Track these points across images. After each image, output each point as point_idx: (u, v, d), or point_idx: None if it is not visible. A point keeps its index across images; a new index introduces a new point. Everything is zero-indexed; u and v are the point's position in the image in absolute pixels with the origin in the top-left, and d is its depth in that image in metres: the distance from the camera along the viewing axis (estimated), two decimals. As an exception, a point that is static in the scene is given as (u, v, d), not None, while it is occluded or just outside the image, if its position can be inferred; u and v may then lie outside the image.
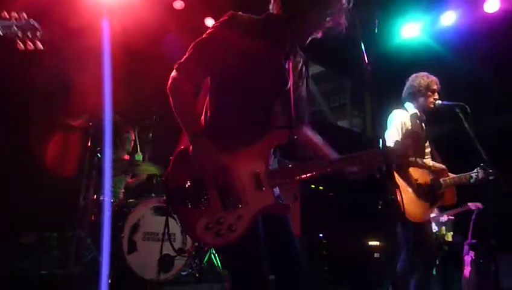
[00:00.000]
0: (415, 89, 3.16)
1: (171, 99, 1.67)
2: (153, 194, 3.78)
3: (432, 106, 3.13)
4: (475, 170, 3.13)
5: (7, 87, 3.69)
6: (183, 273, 3.65)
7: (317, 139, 1.94)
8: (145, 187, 4.07)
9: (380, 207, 2.98)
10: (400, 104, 3.24)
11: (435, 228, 4.00)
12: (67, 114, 3.66)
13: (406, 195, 2.94)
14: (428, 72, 3.29)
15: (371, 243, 5.61)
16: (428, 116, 3.20)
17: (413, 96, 3.17)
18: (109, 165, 3.43)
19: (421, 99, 3.15)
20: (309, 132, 1.95)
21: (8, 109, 3.67)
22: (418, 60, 5.08)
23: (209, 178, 1.58)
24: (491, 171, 3.04)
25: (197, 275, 3.70)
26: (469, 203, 4.07)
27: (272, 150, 1.72)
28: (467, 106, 3.07)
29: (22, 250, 3.42)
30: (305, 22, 1.71)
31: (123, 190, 4.10)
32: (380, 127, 3.22)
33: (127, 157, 4.08)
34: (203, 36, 1.70)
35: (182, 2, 4.87)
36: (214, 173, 1.58)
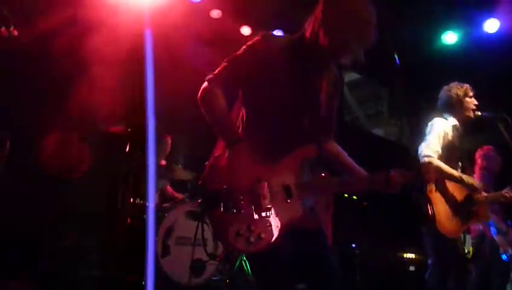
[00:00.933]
0: (453, 99, 3.10)
1: (203, 109, 1.73)
2: (187, 199, 3.87)
3: (472, 114, 3.08)
4: (506, 189, 3.05)
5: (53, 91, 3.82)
6: (214, 278, 3.70)
7: (343, 154, 1.96)
8: (180, 192, 4.17)
9: (410, 218, 2.95)
10: (438, 113, 3.21)
11: None
12: (108, 121, 3.79)
13: (442, 208, 2.91)
14: (467, 80, 3.23)
15: (406, 255, 5.48)
16: (468, 127, 3.16)
17: (452, 107, 3.12)
18: (153, 170, 3.52)
19: (459, 109, 3.09)
20: (335, 146, 1.97)
21: (45, 115, 3.79)
22: (458, 68, 4.89)
23: (242, 185, 1.62)
24: None
25: (228, 280, 3.74)
26: None
27: (302, 163, 1.76)
28: (508, 118, 3.02)
29: (60, 252, 3.53)
30: (335, 46, 1.70)
31: (158, 194, 4.22)
32: (416, 135, 3.24)
33: (163, 162, 4.20)
34: (237, 53, 1.77)
35: (219, 11, 4.97)
36: (248, 181, 1.62)
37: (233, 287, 3.71)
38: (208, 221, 1.68)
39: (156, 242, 3.44)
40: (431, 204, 2.88)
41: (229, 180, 1.62)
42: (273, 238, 1.61)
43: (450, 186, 2.98)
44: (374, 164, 1.99)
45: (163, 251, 3.46)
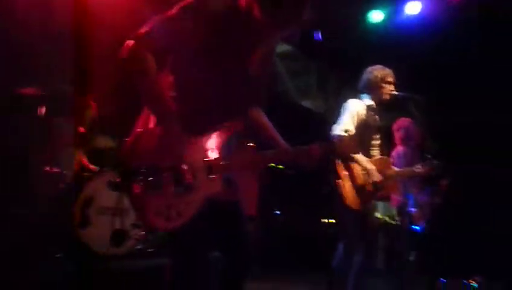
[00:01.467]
0: (371, 81, 3.21)
1: (133, 73, 1.59)
2: (108, 168, 3.74)
3: (388, 97, 3.20)
4: (418, 165, 3.29)
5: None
6: (137, 247, 3.67)
7: (268, 125, 1.97)
8: (100, 161, 4.00)
9: (324, 193, 3.08)
10: (357, 94, 3.31)
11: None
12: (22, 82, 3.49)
13: (348, 184, 3.04)
14: (395, 59, 3.38)
15: (326, 221, 5.69)
16: (385, 107, 3.29)
17: (369, 89, 3.22)
18: (71, 136, 3.34)
19: (377, 92, 3.21)
20: (261, 116, 1.96)
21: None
22: (385, 46, 5.11)
23: (165, 163, 1.59)
24: (433, 165, 3.23)
25: (150, 250, 3.74)
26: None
27: (229, 137, 1.75)
28: (421, 98, 3.21)
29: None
30: (269, 21, 1.64)
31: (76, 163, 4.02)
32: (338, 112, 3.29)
33: (82, 129, 3.99)
34: (169, 13, 1.63)
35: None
36: (171, 158, 1.58)
37: (157, 257, 3.71)
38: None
39: (74, 212, 3.32)
40: (338, 178, 3.01)
41: (152, 157, 1.58)
42: (192, 215, 1.62)
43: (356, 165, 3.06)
44: (302, 136, 2.03)
45: (82, 221, 3.36)
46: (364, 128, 3.13)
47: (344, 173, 3.05)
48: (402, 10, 5.19)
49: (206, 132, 1.70)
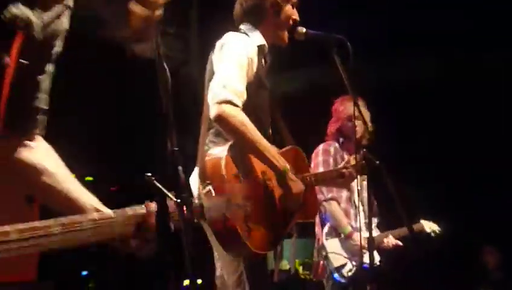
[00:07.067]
0: (265, 3, 2.23)
1: None
2: None
3: (292, 33, 2.26)
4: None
5: None
6: None
7: (52, 164, 1.30)
8: None
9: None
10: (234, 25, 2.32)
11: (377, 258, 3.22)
12: None
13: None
14: None
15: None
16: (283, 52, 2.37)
17: (263, 13, 2.23)
18: None
19: (276, 19, 2.24)
20: (36, 152, 1.29)
21: None
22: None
23: None
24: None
25: None
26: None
27: None
28: (345, 40, 2.29)
29: None
30: None
31: None
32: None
33: None
34: None
35: None
36: None
37: None
38: None
39: None
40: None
41: None
42: None
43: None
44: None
45: None
46: (257, 88, 2.14)
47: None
48: None
49: None
